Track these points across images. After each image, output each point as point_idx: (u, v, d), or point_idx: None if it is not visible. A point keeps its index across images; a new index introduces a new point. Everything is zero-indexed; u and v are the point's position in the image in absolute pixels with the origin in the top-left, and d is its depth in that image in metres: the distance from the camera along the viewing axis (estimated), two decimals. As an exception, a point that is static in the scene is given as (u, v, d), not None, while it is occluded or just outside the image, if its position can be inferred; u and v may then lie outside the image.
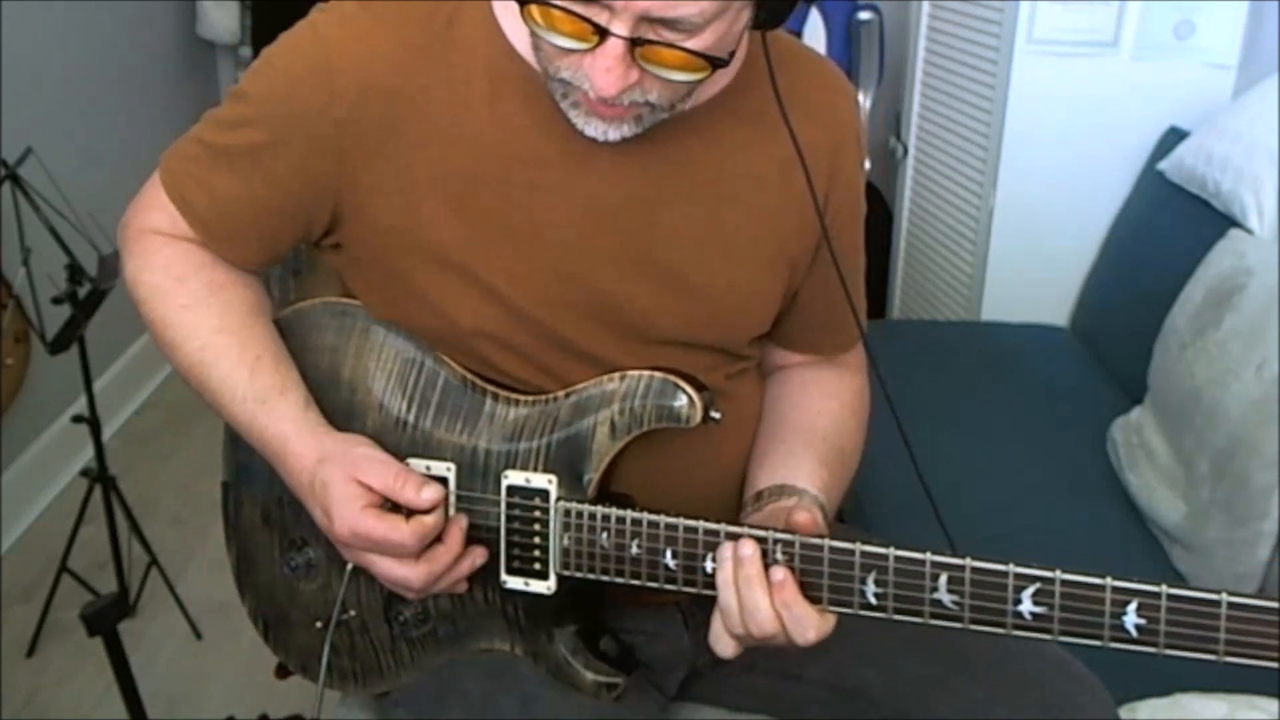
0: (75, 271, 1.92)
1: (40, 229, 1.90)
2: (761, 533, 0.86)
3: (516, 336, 0.96)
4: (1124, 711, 1.24)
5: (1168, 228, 2.10)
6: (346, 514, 0.89)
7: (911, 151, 2.79)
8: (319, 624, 1.04)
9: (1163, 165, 2.13)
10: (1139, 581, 0.78)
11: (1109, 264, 2.29)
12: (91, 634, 1.25)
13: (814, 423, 1.06)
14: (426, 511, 0.90)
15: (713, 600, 1.03)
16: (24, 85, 2.44)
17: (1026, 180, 2.33)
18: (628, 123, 0.88)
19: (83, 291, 1.93)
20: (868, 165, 2.95)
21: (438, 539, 0.91)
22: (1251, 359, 1.59)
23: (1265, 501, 1.49)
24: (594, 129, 0.88)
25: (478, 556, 0.94)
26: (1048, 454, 1.91)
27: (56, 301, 1.92)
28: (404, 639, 1.02)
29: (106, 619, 1.25)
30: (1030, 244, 2.37)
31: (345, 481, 0.90)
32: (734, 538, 0.87)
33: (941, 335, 2.48)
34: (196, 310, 0.98)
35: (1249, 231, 1.84)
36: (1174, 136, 2.17)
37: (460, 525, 0.93)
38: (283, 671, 1.12)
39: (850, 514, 1.88)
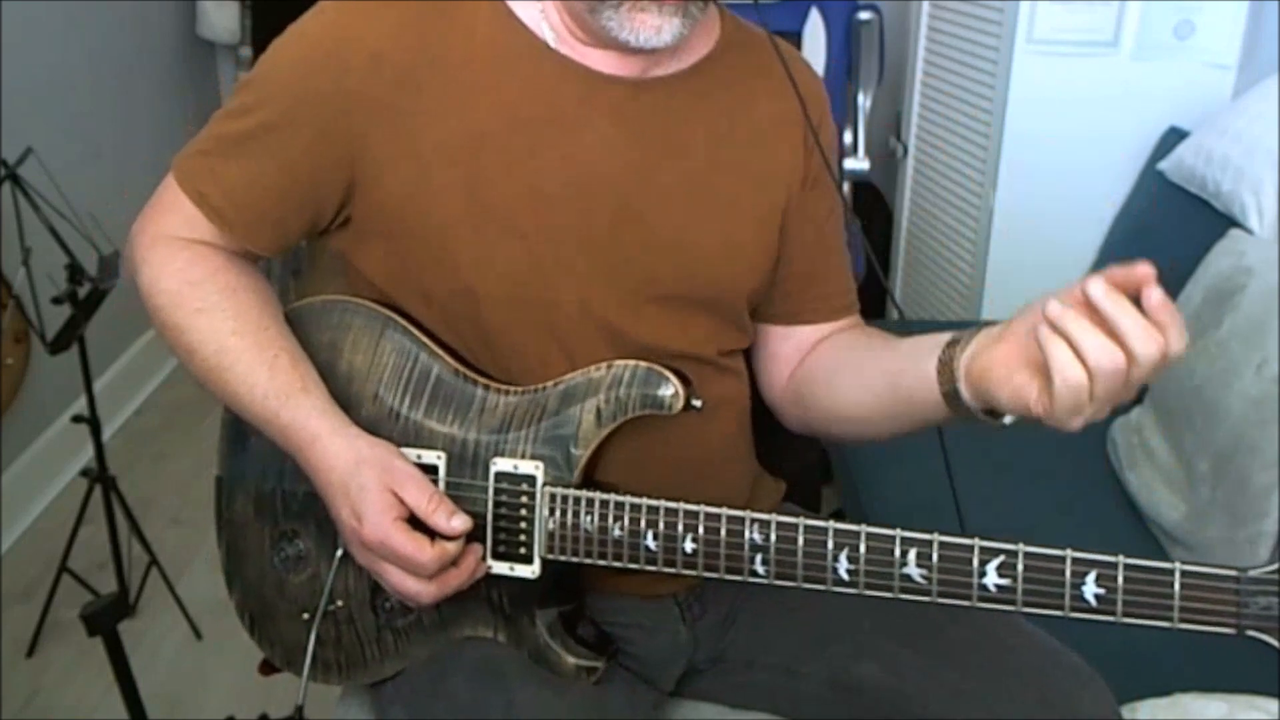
0: (75, 271, 1.93)
1: (40, 229, 1.90)
2: (738, 513, 0.90)
3: (523, 296, 0.98)
4: (1124, 711, 1.24)
5: (1168, 228, 2.10)
6: (379, 523, 0.91)
7: (911, 151, 2.79)
8: (305, 615, 1.05)
9: (1163, 165, 2.13)
10: (1096, 553, 0.81)
11: (1109, 264, 2.28)
12: (91, 634, 1.25)
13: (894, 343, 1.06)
14: (451, 539, 0.93)
15: (705, 589, 1.09)
16: (24, 85, 2.44)
17: (1026, 180, 2.33)
18: (678, 15, 0.92)
19: (83, 291, 1.93)
20: (867, 165, 2.97)
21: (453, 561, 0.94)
22: (1251, 359, 1.59)
23: (1265, 501, 1.49)
24: (646, 31, 0.92)
25: (479, 570, 0.96)
26: (1048, 454, 1.91)
27: (56, 301, 1.92)
28: (389, 628, 1.03)
29: (106, 619, 1.25)
30: (1030, 244, 2.37)
31: (382, 490, 0.92)
32: (712, 518, 0.90)
33: (941, 335, 2.47)
34: (211, 314, 0.99)
35: (1249, 231, 1.84)
36: (1174, 136, 2.16)
37: (475, 554, 0.96)
38: (267, 668, 1.13)
39: (850, 513, 1.88)
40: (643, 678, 1.08)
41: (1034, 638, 1.05)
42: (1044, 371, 0.81)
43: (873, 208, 3.13)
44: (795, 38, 2.84)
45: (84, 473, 2.11)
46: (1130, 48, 2.19)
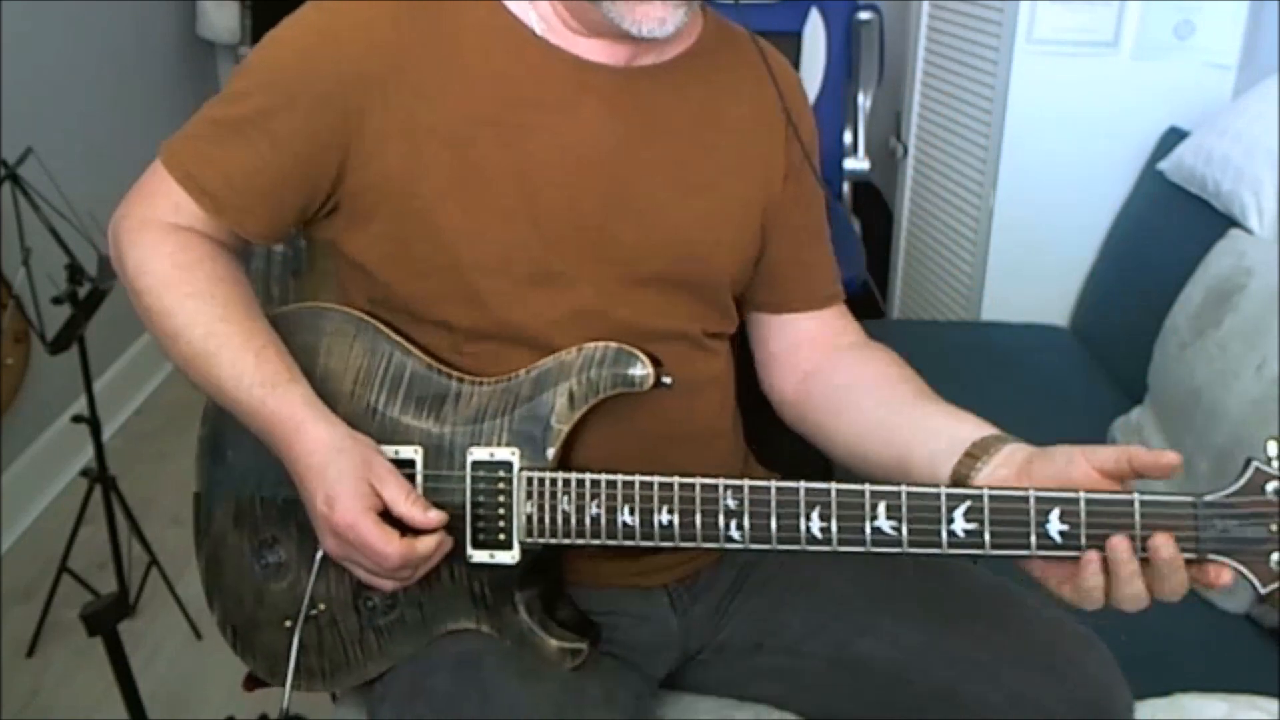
0: (75, 271, 1.93)
1: (40, 229, 1.90)
2: (711, 480, 0.91)
3: (512, 273, 1.00)
4: (1124, 711, 1.24)
5: (1168, 228, 2.10)
6: (350, 509, 0.92)
7: (911, 151, 2.79)
8: (288, 622, 1.05)
9: (1163, 165, 2.13)
10: (1058, 490, 0.84)
11: (1109, 264, 2.29)
12: (91, 634, 1.25)
13: (920, 387, 1.08)
14: (426, 532, 0.94)
15: (697, 579, 1.10)
16: (24, 85, 2.44)
17: (1026, 180, 2.33)
18: (682, 5, 0.95)
19: (83, 291, 1.93)
20: (867, 165, 2.97)
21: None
22: (1251, 359, 1.59)
23: (1265, 501, 1.49)
24: (650, 22, 0.94)
25: (446, 545, 0.97)
26: (1048, 454, 1.91)
27: (56, 301, 1.92)
28: (371, 628, 1.04)
29: (106, 619, 1.25)
30: (1030, 244, 2.37)
31: (358, 479, 0.93)
32: (687, 488, 0.91)
33: (941, 335, 2.48)
34: (200, 299, 0.99)
35: (1249, 231, 1.84)
36: (1174, 136, 2.16)
37: (445, 546, 0.96)
38: (251, 683, 1.13)
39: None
40: (631, 665, 1.08)
41: (1035, 606, 1.05)
42: None
43: (873, 208, 3.13)
44: (795, 38, 2.84)
45: (84, 473, 2.11)
46: (1130, 48, 2.19)
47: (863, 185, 3.02)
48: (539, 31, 1.01)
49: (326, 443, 0.94)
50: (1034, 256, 2.38)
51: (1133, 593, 0.83)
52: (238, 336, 0.98)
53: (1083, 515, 0.82)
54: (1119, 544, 0.82)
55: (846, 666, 1.06)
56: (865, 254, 2.63)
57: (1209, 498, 0.82)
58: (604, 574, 1.06)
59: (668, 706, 1.15)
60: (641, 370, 0.96)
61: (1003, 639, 1.03)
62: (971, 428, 0.97)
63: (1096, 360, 2.22)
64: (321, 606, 1.04)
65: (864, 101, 2.95)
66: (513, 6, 1.01)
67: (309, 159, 1.00)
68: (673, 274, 1.05)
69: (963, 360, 2.24)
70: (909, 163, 2.81)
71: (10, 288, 2.22)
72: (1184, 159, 2.05)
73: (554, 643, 0.99)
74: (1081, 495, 0.82)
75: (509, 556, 0.97)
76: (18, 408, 2.42)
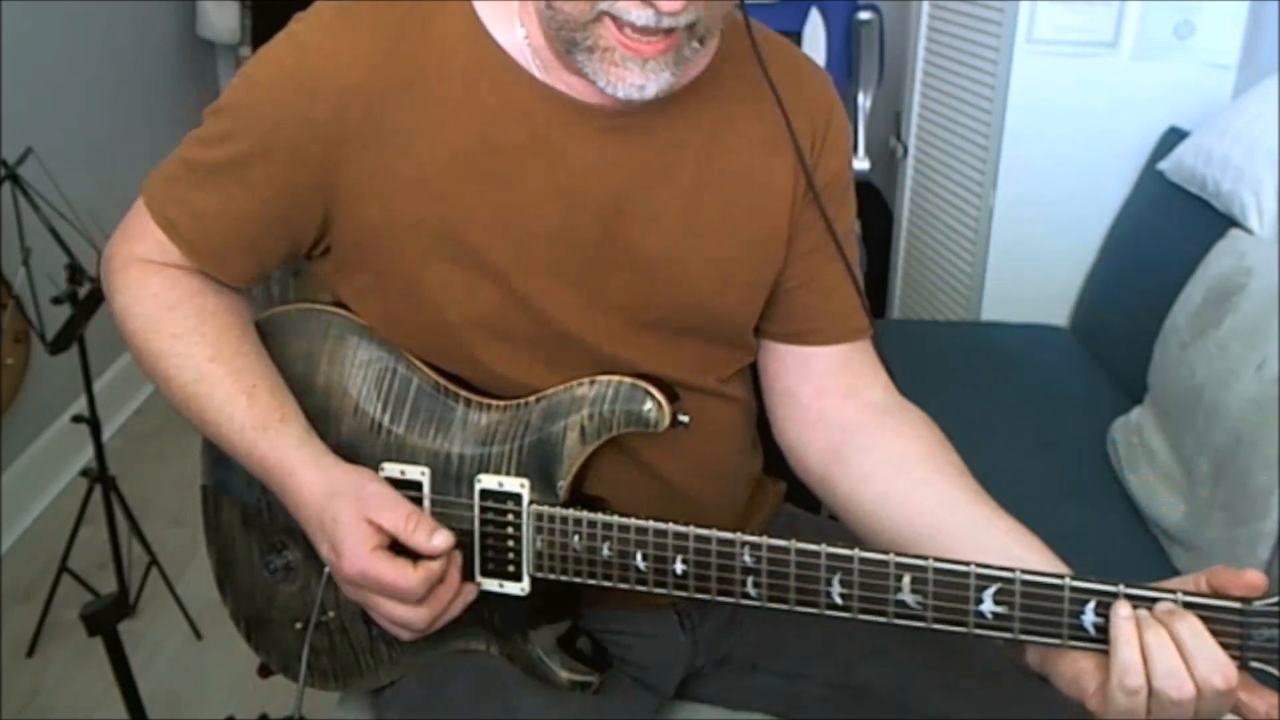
0: (75, 271, 1.93)
1: (40, 229, 1.90)
2: (728, 535, 0.87)
3: (508, 326, 0.95)
4: (1124, 711, 1.24)
5: (1168, 228, 2.10)
6: (356, 554, 0.89)
7: (911, 151, 2.79)
8: (298, 625, 1.05)
9: (1163, 165, 2.13)
10: (1096, 581, 0.79)
11: (1109, 264, 2.29)
12: (91, 634, 1.25)
13: (975, 486, 1.00)
14: (434, 557, 0.90)
15: (699, 601, 1.03)
16: (24, 85, 2.44)
17: (1026, 180, 2.33)
18: (667, 67, 0.85)
19: (83, 291, 1.93)
20: (867, 165, 2.97)
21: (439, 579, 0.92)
22: (1251, 359, 1.59)
23: (1265, 501, 1.49)
24: (626, 86, 0.85)
25: (469, 593, 0.95)
26: (1048, 454, 1.91)
27: (56, 301, 1.92)
28: (382, 640, 1.02)
29: (106, 619, 1.25)
30: (1030, 244, 2.37)
31: (355, 520, 0.89)
32: (702, 540, 0.88)
33: (941, 335, 2.48)
34: (188, 339, 0.97)
35: (1249, 231, 1.84)
36: (1174, 136, 2.17)
37: (457, 563, 0.93)
38: (265, 671, 1.13)
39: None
40: (643, 684, 1.08)
41: None
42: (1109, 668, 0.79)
43: (873, 208, 3.13)
44: (795, 38, 2.84)
45: (84, 473, 2.11)
46: (1130, 48, 2.19)
47: (863, 185, 3.02)
48: (532, 69, 0.93)
49: (319, 490, 0.91)
50: (1034, 256, 2.38)
51: (1167, 666, 0.75)
52: (228, 377, 0.96)
53: None
54: (1123, 606, 0.78)
55: (846, 690, 1.05)
56: (865, 254, 2.63)
57: (1257, 604, 0.76)
58: (614, 596, 1.03)
59: (669, 712, 1.15)
60: (655, 412, 0.91)
61: (1005, 669, 1.01)
62: (1034, 556, 0.90)
63: (1096, 360, 2.22)
64: (331, 613, 1.03)
65: (864, 101, 2.95)
66: (504, 41, 0.93)
67: (287, 209, 0.95)
68: (679, 320, 0.99)
69: (963, 360, 2.25)
70: (909, 163, 2.81)
71: (10, 288, 2.22)
72: (1184, 159, 2.05)
73: (564, 674, 0.97)
74: (1121, 590, 0.78)
75: (518, 588, 0.95)
76: (18, 408, 2.43)
